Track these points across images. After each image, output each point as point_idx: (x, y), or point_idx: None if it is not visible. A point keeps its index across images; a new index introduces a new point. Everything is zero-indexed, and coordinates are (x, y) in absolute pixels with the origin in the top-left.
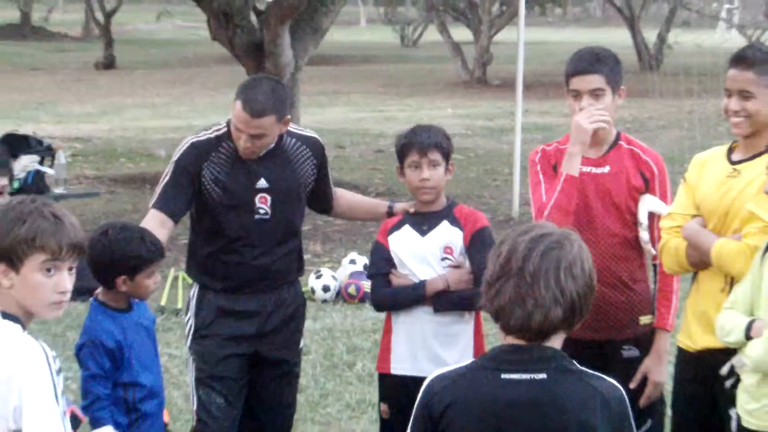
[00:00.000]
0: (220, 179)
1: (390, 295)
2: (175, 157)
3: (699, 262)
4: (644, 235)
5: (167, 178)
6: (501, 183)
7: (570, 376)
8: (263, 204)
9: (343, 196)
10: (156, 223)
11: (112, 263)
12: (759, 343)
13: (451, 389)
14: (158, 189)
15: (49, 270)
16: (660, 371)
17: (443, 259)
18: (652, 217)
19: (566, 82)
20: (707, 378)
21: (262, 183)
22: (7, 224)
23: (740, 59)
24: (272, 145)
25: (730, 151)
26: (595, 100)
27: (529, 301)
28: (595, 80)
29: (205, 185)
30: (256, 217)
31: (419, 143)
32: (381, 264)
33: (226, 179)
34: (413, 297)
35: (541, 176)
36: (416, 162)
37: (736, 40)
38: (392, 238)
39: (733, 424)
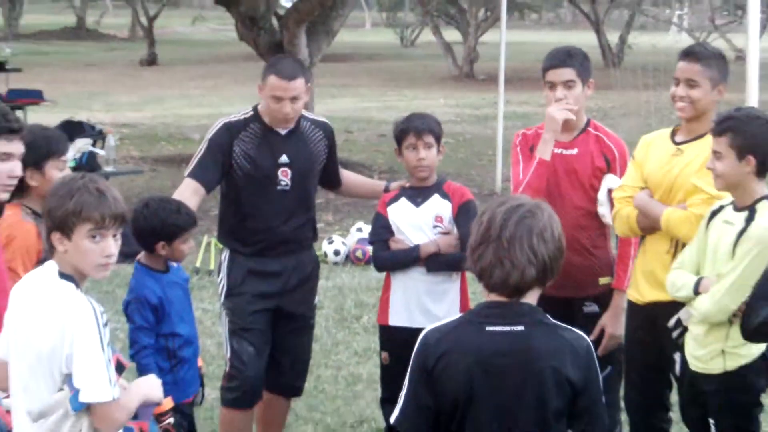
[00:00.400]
0: (248, 154)
1: (389, 257)
2: (209, 135)
3: (648, 227)
4: (601, 209)
5: (201, 152)
6: (486, 163)
7: (544, 328)
8: (284, 177)
9: (348, 176)
10: (190, 191)
11: (152, 231)
12: (706, 298)
13: (444, 341)
14: (193, 161)
15: (95, 237)
16: (616, 325)
17: (434, 227)
18: (611, 193)
19: (543, 75)
20: (654, 326)
21: (284, 158)
22: (59, 199)
23: (690, 54)
24: (293, 125)
25: (674, 133)
26: (568, 91)
27: (507, 263)
28: (567, 73)
29: (235, 159)
30: (278, 188)
31: (416, 128)
32: (381, 231)
33: (254, 154)
34: (409, 259)
35: (519, 157)
36: (413, 144)
37: (686, 42)
38: (391, 209)
39: (677, 367)
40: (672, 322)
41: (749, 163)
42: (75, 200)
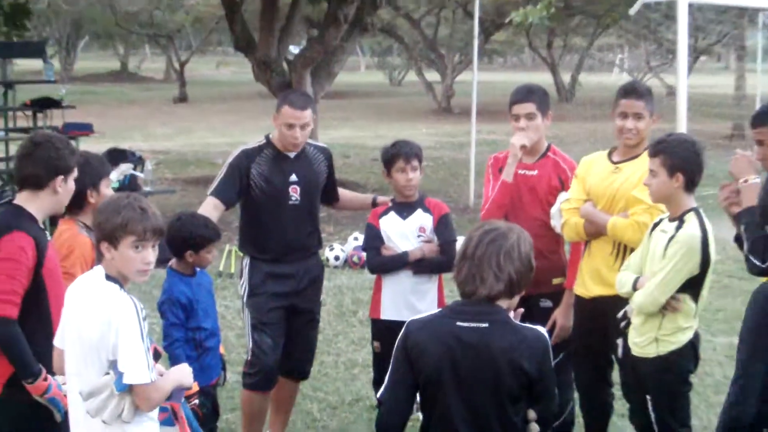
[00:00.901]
0: (264, 175)
1: (381, 262)
2: (229, 160)
3: (593, 233)
4: (553, 221)
5: (222, 174)
6: (461, 182)
7: (505, 326)
8: (294, 193)
9: (343, 193)
10: (211, 206)
11: (183, 241)
12: (639, 293)
13: (422, 330)
14: (215, 182)
15: (137, 247)
16: (566, 318)
17: (418, 236)
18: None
19: (509, 109)
20: (598, 317)
21: (294, 177)
22: (109, 215)
23: (633, 92)
24: (299, 150)
25: (610, 154)
26: (529, 121)
27: (477, 278)
28: (529, 107)
29: (252, 179)
30: (290, 202)
31: (405, 154)
32: (373, 240)
33: (268, 174)
34: (399, 263)
35: (491, 177)
36: (402, 168)
37: (626, 80)
38: (382, 221)
39: (620, 350)
40: (620, 314)
41: (678, 180)
42: (122, 216)
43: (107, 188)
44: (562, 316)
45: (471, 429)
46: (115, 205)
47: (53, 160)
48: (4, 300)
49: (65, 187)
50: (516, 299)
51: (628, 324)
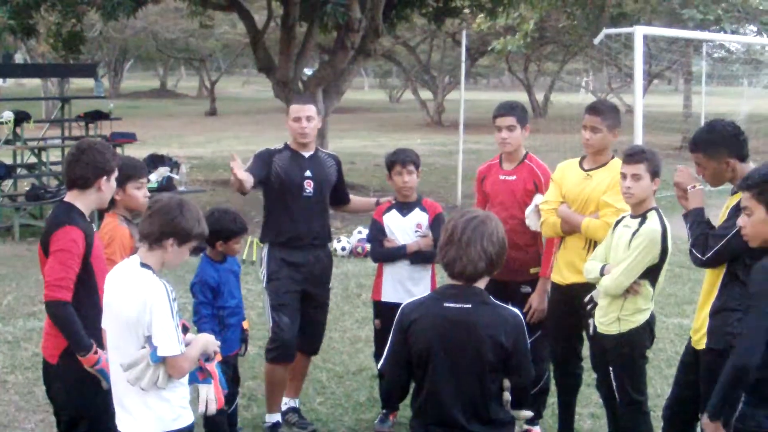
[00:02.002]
0: (283, 167)
1: (383, 253)
2: (255, 153)
3: (568, 231)
4: (527, 220)
5: (251, 162)
6: (450, 185)
7: (486, 306)
8: (309, 186)
9: (353, 198)
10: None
11: (214, 233)
12: (606, 278)
13: (415, 310)
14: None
15: (189, 249)
16: (541, 302)
17: (416, 231)
18: (538, 207)
19: (493, 121)
20: (572, 300)
21: (308, 173)
22: (195, 221)
23: (592, 108)
24: (312, 150)
25: (581, 162)
26: (510, 133)
27: (464, 259)
28: (509, 120)
29: (274, 170)
30: (304, 194)
31: (402, 160)
32: (377, 234)
33: (287, 169)
34: (398, 254)
35: (476, 186)
36: (400, 171)
37: (591, 99)
38: (385, 217)
39: (591, 329)
40: (587, 299)
41: (656, 183)
42: (202, 227)
43: (135, 189)
44: (537, 300)
45: (456, 395)
46: (198, 214)
47: (98, 163)
48: (60, 285)
49: (108, 186)
50: (486, 279)
51: (594, 307)
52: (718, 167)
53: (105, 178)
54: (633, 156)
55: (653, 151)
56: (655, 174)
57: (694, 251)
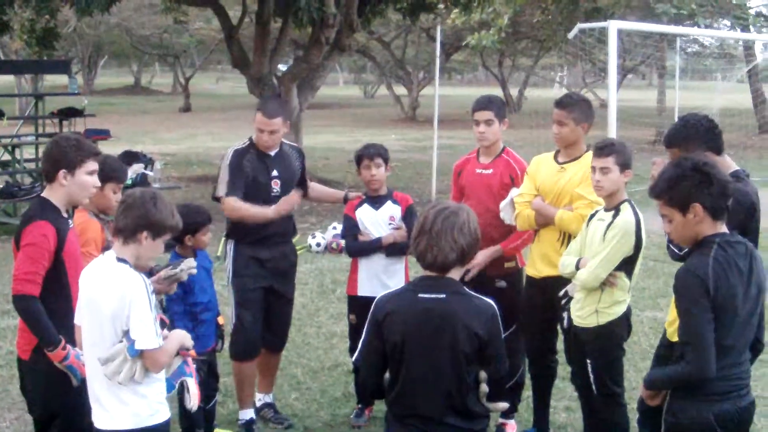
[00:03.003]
0: (251, 171)
1: (359, 247)
2: (227, 162)
3: (543, 223)
4: (502, 213)
5: (228, 175)
6: (424, 179)
7: (460, 297)
8: (276, 186)
9: (315, 187)
10: (242, 203)
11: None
12: (583, 271)
13: (390, 303)
14: (224, 184)
15: (154, 240)
16: (483, 260)
17: (389, 224)
18: (513, 201)
19: (471, 115)
20: (546, 294)
21: (275, 173)
22: (167, 213)
23: (559, 103)
24: (278, 148)
25: (555, 155)
26: (488, 127)
27: (435, 249)
28: (487, 114)
29: (245, 173)
30: (272, 194)
31: (368, 154)
32: (351, 229)
33: (255, 171)
34: (374, 247)
35: (452, 180)
36: (368, 165)
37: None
38: (357, 212)
39: (565, 322)
40: (562, 293)
41: (627, 175)
42: (177, 219)
43: (111, 192)
44: (481, 257)
45: (432, 386)
46: (171, 207)
47: (56, 156)
48: (27, 279)
49: (72, 180)
50: (462, 269)
51: (569, 301)
52: None
53: (63, 171)
54: (602, 149)
55: (623, 144)
56: (624, 166)
57: (671, 246)
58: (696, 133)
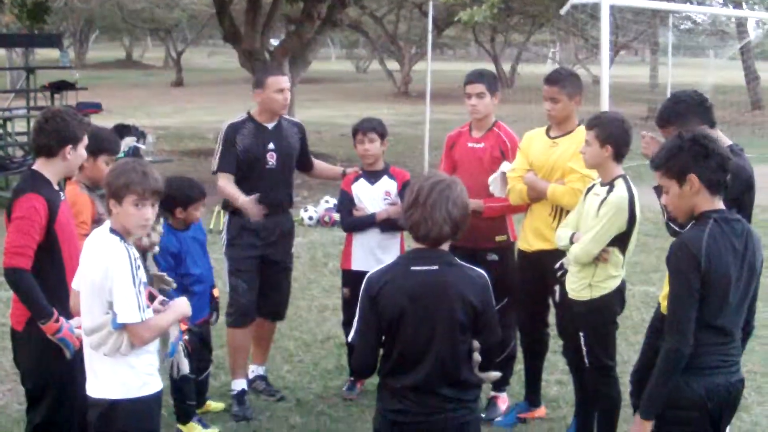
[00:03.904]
0: (246, 143)
1: (353, 222)
2: (221, 136)
3: (535, 197)
4: (491, 187)
5: (220, 151)
6: (417, 154)
7: (453, 267)
8: (271, 159)
9: (317, 163)
10: (227, 182)
11: (172, 199)
12: (576, 246)
13: (383, 276)
14: (217, 158)
15: (137, 205)
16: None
17: (384, 199)
18: (504, 174)
19: (464, 88)
20: (538, 267)
21: (271, 145)
22: (116, 176)
23: (550, 79)
24: (275, 121)
25: (548, 130)
26: (479, 100)
27: (429, 222)
28: (479, 87)
29: (237, 147)
30: (267, 166)
31: (363, 128)
32: (346, 204)
33: (250, 143)
34: (368, 222)
35: (443, 153)
36: (361, 139)
37: None
38: (354, 187)
39: (557, 295)
40: (557, 265)
41: (607, 150)
42: (126, 178)
43: (104, 164)
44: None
45: (427, 357)
46: (121, 169)
47: (62, 131)
48: (18, 252)
49: (74, 155)
50: (449, 243)
51: (564, 273)
52: None
53: (70, 146)
54: (588, 122)
55: (613, 119)
56: (605, 141)
57: (671, 224)
58: (688, 108)
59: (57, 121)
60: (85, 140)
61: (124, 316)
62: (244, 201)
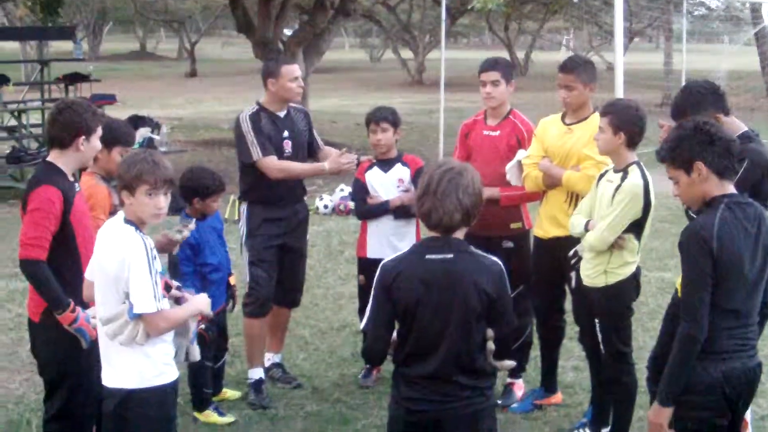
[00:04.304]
0: (266, 132)
1: (367, 209)
2: (248, 126)
3: (550, 184)
4: (507, 175)
5: (254, 137)
6: (431, 143)
7: (468, 255)
8: (287, 146)
9: (329, 151)
10: (276, 162)
11: (191, 189)
12: (591, 234)
13: (398, 265)
14: (255, 147)
15: (150, 195)
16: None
17: (398, 186)
18: (520, 163)
19: (479, 76)
20: (554, 254)
21: (286, 133)
22: (128, 167)
23: (565, 67)
24: (285, 110)
25: (563, 116)
26: (494, 88)
27: (440, 210)
28: (494, 75)
29: (266, 135)
30: (285, 154)
31: (375, 118)
32: (360, 192)
33: (269, 132)
34: (382, 210)
35: (458, 142)
36: (374, 129)
37: None
38: (367, 175)
39: (573, 282)
40: (571, 252)
41: (620, 137)
42: (137, 168)
43: (119, 155)
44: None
45: (442, 346)
46: (132, 159)
47: (75, 123)
48: (34, 244)
49: (88, 146)
50: (464, 230)
51: (579, 260)
52: None
53: (83, 137)
54: (602, 109)
55: (627, 106)
56: (618, 128)
57: (689, 212)
58: (702, 98)
59: (70, 113)
60: (99, 131)
61: (140, 306)
62: (332, 165)
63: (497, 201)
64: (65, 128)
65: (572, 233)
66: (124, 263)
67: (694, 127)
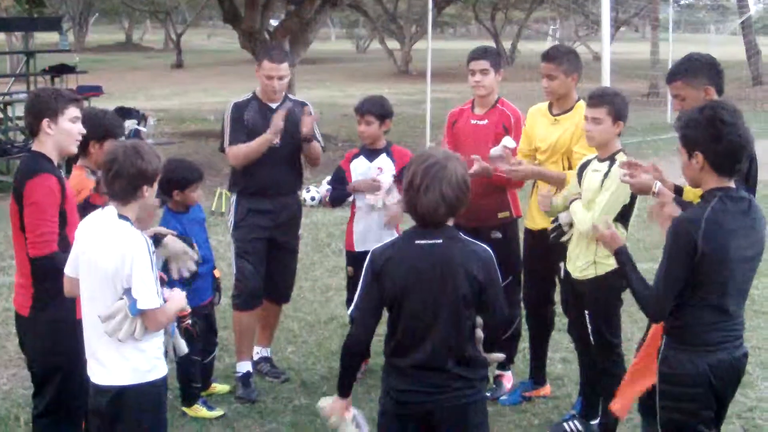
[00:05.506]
0: (251, 122)
1: (335, 195)
2: (228, 115)
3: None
4: (490, 159)
5: (229, 127)
6: (418, 133)
7: (457, 241)
8: (276, 137)
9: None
10: (233, 149)
11: (170, 181)
12: (587, 219)
13: (387, 252)
14: (226, 135)
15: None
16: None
17: (376, 174)
18: (506, 149)
19: (467, 65)
20: (543, 245)
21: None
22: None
23: (547, 56)
24: (281, 101)
25: (549, 107)
26: (483, 76)
27: (423, 205)
28: (483, 63)
29: (245, 124)
30: (272, 146)
31: (360, 110)
32: (337, 179)
33: (254, 122)
34: (346, 194)
35: (445, 130)
36: (359, 120)
37: None
38: (352, 164)
39: (562, 273)
40: (551, 226)
41: (618, 126)
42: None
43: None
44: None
45: (432, 333)
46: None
47: (35, 107)
48: (49, 240)
49: (57, 128)
50: (451, 221)
51: (560, 234)
52: (697, 96)
53: (47, 119)
54: (593, 99)
55: (616, 94)
56: (617, 117)
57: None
58: (699, 66)
59: (34, 99)
60: (70, 113)
61: (145, 302)
62: (272, 131)
63: (484, 191)
64: (31, 114)
65: (581, 229)
66: (124, 259)
67: (710, 117)
